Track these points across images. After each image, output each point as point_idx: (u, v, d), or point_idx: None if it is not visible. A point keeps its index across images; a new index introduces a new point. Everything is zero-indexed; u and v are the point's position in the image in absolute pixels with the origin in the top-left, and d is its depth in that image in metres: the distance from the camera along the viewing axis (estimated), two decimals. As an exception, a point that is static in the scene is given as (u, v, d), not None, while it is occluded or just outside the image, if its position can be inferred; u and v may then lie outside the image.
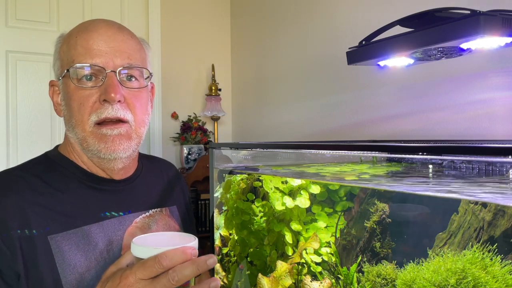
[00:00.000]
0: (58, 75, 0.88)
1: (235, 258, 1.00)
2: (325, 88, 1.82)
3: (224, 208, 1.03)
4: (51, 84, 0.91)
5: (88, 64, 0.82)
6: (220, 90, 2.46)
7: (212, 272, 1.01)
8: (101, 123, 0.83)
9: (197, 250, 0.64)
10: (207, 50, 2.56)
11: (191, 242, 0.64)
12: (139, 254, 0.63)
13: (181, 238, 0.69)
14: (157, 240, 0.68)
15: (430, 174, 0.79)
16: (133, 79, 0.87)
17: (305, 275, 0.84)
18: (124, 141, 0.84)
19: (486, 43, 0.90)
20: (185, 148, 2.34)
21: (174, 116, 2.43)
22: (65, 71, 0.84)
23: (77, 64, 0.82)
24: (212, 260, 0.62)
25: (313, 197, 0.88)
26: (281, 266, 0.87)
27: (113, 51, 0.84)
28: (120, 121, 0.84)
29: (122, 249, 0.86)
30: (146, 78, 0.90)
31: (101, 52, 0.83)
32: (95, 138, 0.83)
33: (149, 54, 0.94)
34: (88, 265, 0.81)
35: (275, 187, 0.94)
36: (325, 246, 0.83)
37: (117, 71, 0.83)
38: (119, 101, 0.82)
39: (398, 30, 1.02)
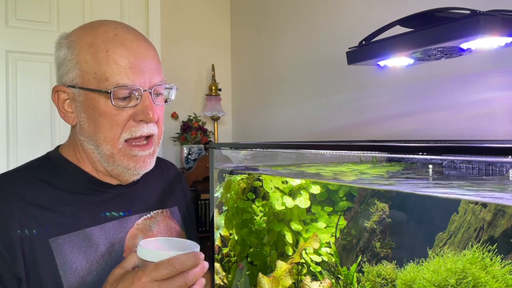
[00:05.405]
0: (76, 83, 0.82)
1: (235, 258, 1.00)
2: (325, 88, 1.82)
3: (224, 208, 1.03)
4: (56, 90, 0.85)
5: (127, 85, 0.80)
6: (220, 90, 2.46)
7: (212, 272, 1.01)
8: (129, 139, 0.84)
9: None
10: (207, 50, 2.56)
11: (196, 248, 0.70)
12: (150, 258, 0.67)
13: (185, 244, 0.73)
14: (163, 245, 0.72)
15: (430, 174, 0.79)
16: (160, 95, 0.87)
17: (305, 275, 0.84)
18: (152, 160, 0.88)
19: (486, 43, 0.90)
20: (185, 148, 2.34)
21: (174, 116, 2.43)
22: (100, 90, 0.80)
23: (115, 87, 0.79)
24: (206, 263, 0.70)
25: (313, 197, 0.88)
26: (281, 266, 0.87)
27: (149, 70, 0.83)
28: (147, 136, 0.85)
29: (124, 251, 0.86)
30: (165, 89, 0.89)
31: (138, 72, 0.81)
32: (124, 157, 0.84)
33: None
34: (89, 267, 0.81)
35: (275, 187, 0.94)
36: (325, 246, 0.83)
37: (152, 90, 0.83)
38: None
39: (398, 30, 1.02)
